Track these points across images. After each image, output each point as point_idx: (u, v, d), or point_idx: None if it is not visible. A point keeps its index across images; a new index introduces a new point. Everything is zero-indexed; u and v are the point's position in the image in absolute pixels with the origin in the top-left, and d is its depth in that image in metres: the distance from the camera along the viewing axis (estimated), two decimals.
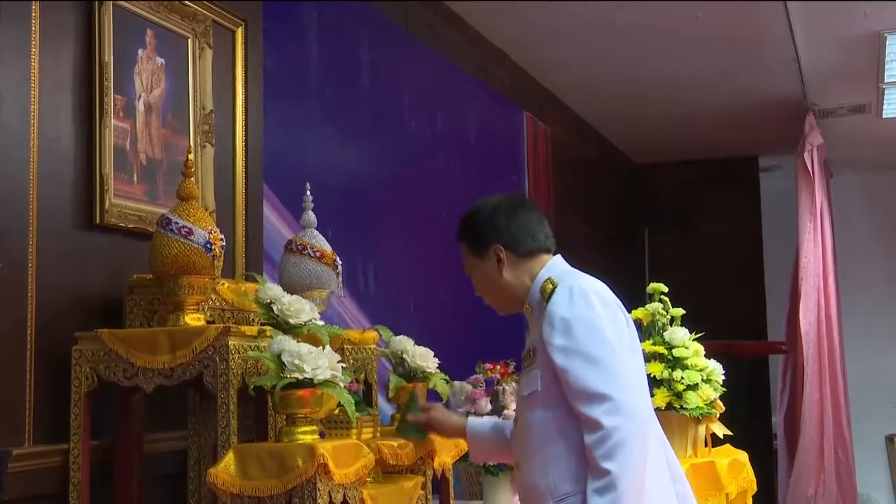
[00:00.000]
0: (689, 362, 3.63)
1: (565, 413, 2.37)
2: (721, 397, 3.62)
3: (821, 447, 7.18)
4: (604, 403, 2.29)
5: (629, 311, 2.60)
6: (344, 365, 2.55)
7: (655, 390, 3.62)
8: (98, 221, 2.79)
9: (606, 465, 2.26)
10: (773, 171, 9.13)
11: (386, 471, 2.84)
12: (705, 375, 3.62)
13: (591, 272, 2.58)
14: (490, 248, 2.57)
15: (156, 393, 2.59)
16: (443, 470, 3.13)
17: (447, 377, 3.21)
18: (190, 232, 2.60)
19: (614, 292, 2.49)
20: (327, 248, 3.02)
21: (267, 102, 3.57)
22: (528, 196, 2.64)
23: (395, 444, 2.76)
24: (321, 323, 2.72)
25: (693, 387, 3.56)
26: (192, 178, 2.72)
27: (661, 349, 3.67)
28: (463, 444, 3.23)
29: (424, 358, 3.13)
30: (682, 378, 3.61)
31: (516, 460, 2.58)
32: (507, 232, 2.56)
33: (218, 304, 2.80)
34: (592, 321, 2.38)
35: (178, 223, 2.61)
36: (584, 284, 2.45)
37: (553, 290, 2.46)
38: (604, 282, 2.51)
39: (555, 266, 2.57)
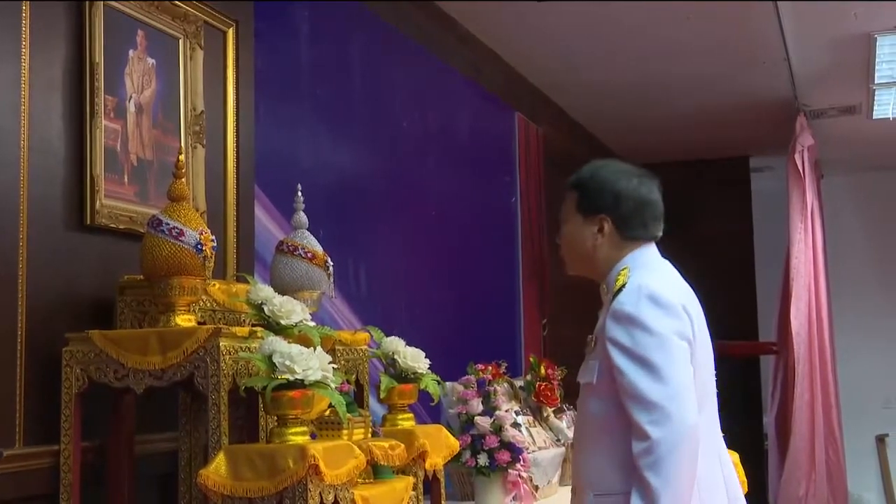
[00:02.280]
0: None
1: (616, 409, 2.32)
2: None
3: (812, 447, 7.20)
4: (653, 413, 2.25)
5: None
6: (335, 366, 2.55)
7: None
8: (89, 222, 2.78)
9: (649, 477, 2.23)
10: (764, 171, 9.15)
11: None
12: None
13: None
14: (598, 215, 2.48)
15: (147, 394, 2.59)
16: (434, 471, 3.13)
17: (439, 378, 3.21)
18: (181, 233, 2.60)
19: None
20: (318, 248, 3.02)
21: (258, 103, 3.57)
22: (656, 179, 2.53)
23: (386, 444, 2.76)
24: (312, 324, 2.72)
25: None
26: (183, 179, 2.72)
27: None
28: (454, 445, 3.23)
29: (416, 359, 3.14)
30: None
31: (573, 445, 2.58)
32: (625, 208, 2.47)
33: (209, 304, 2.80)
34: (654, 325, 2.30)
35: (168, 224, 2.61)
36: (654, 285, 2.36)
37: (623, 285, 2.38)
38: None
39: (640, 256, 2.46)
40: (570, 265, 2.59)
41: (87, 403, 2.63)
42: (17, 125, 2.60)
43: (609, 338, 2.35)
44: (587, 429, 2.46)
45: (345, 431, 2.72)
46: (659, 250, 2.55)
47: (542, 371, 4.52)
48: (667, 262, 2.51)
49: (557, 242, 2.57)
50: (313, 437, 2.58)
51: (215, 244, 2.69)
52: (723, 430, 3.61)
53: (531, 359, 4.71)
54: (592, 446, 2.42)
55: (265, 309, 2.63)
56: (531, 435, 4.13)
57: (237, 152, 3.43)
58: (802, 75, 6.62)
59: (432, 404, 3.48)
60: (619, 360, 2.32)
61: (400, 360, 3.12)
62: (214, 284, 2.83)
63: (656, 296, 2.34)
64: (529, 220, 6.47)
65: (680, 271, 2.52)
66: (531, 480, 3.86)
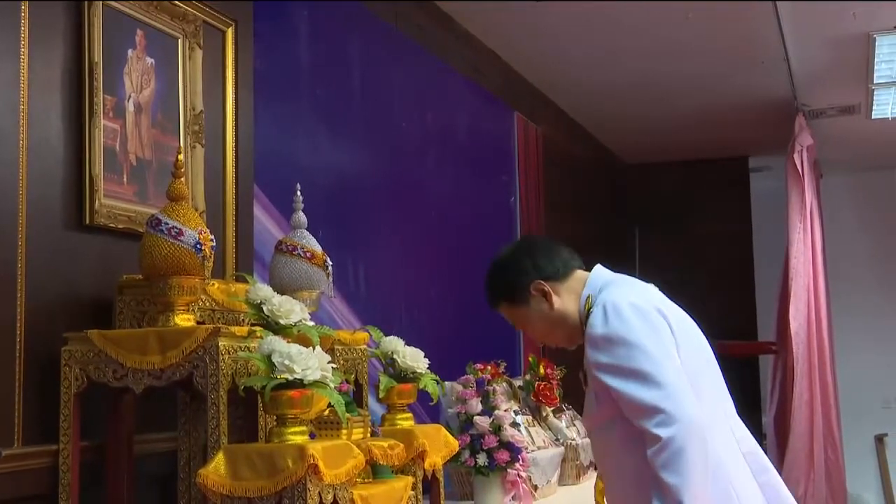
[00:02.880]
0: None
1: (625, 429, 2.37)
2: None
3: (810, 447, 7.20)
4: (656, 416, 2.28)
5: None
6: (334, 365, 2.55)
7: None
8: (88, 222, 2.78)
9: (667, 477, 2.25)
10: (763, 171, 9.15)
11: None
12: None
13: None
14: (530, 288, 2.55)
15: (146, 394, 2.59)
16: (433, 470, 3.13)
17: (438, 378, 3.21)
18: (180, 232, 2.60)
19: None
20: (318, 248, 3.02)
21: (257, 103, 3.57)
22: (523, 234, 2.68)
23: (385, 444, 2.76)
24: (311, 323, 2.72)
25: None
26: (182, 179, 2.72)
27: None
28: (453, 444, 3.23)
29: (415, 358, 3.14)
30: None
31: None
32: (536, 266, 2.56)
33: (208, 304, 2.80)
34: (629, 336, 2.35)
35: (167, 224, 2.61)
36: (617, 298, 2.41)
37: (589, 311, 2.45)
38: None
39: (593, 281, 2.54)
40: (567, 343, 2.65)
41: (86, 403, 2.63)
42: (16, 125, 2.60)
43: (593, 364, 2.41)
44: (606, 458, 2.53)
45: (344, 431, 2.72)
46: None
47: (541, 371, 4.52)
48: (621, 275, 2.58)
49: (542, 345, 2.72)
50: (312, 436, 2.58)
51: (214, 244, 2.69)
52: None
53: (530, 358, 4.71)
54: (616, 471, 2.47)
55: (264, 308, 2.63)
56: (530, 434, 4.13)
57: (236, 152, 3.43)
58: (801, 75, 6.62)
59: (431, 404, 3.47)
60: (610, 380, 2.36)
61: (399, 360, 3.12)
62: (213, 284, 2.83)
63: (618, 307, 2.39)
64: (528, 219, 6.47)
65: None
66: (530, 480, 3.86)
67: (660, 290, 3.80)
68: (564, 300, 2.55)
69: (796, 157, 7.26)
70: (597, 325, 2.40)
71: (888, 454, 9.36)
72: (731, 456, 2.43)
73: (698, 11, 5.42)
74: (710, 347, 2.56)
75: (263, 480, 2.35)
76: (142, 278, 2.68)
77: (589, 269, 2.61)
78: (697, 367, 2.44)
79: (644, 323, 2.37)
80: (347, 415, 2.67)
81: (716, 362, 2.55)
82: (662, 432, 2.26)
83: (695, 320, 2.61)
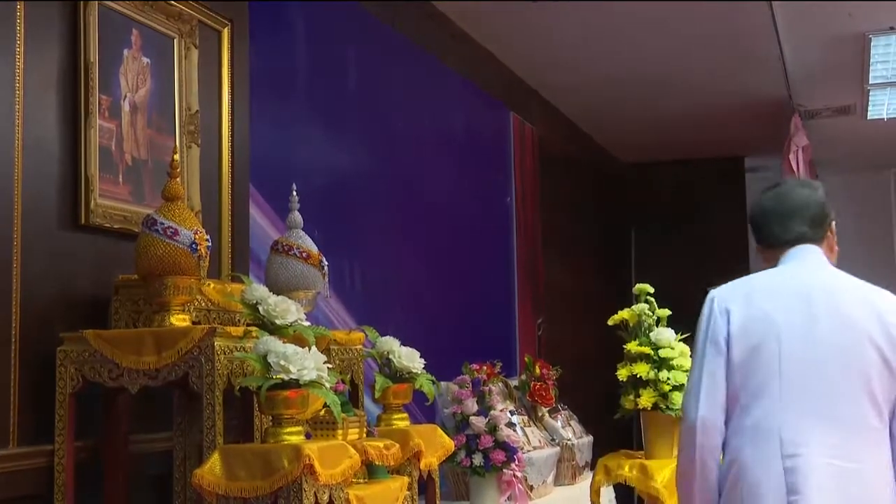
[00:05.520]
0: (675, 363, 3.64)
1: None
2: None
3: None
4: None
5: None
6: (330, 365, 2.55)
7: (641, 391, 3.63)
8: (83, 222, 2.78)
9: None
10: (758, 171, 9.16)
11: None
12: None
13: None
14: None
15: (141, 394, 2.58)
16: (429, 471, 3.13)
17: (433, 378, 3.21)
18: (175, 232, 2.60)
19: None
20: (313, 248, 3.02)
21: (253, 102, 3.57)
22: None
23: (380, 444, 2.76)
24: (307, 323, 2.72)
25: (679, 387, 3.57)
26: (178, 179, 2.72)
27: (648, 350, 3.68)
28: (449, 445, 3.23)
29: (410, 358, 3.13)
30: (668, 378, 3.62)
31: None
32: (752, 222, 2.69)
33: (203, 304, 2.80)
34: (697, 330, 2.56)
35: (163, 223, 2.61)
36: (714, 290, 2.58)
37: None
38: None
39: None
40: None
41: (82, 403, 2.62)
42: (11, 124, 2.60)
43: None
44: None
45: (340, 431, 2.72)
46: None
47: (537, 371, 4.52)
48: (794, 264, 2.58)
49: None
50: (308, 436, 2.58)
51: (210, 244, 2.68)
52: None
53: (526, 358, 4.71)
54: None
55: (260, 308, 2.63)
56: (526, 435, 4.13)
57: (232, 152, 3.43)
58: (797, 75, 6.63)
59: (427, 404, 3.48)
60: None
61: (395, 360, 3.12)
62: (209, 284, 2.83)
63: (707, 299, 2.56)
64: (524, 219, 6.47)
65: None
66: (526, 480, 3.87)
67: (656, 289, 3.82)
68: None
69: (792, 157, 7.27)
70: None
71: None
72: (760, 462, 2.40)
73: (694, 12, 5.42)
74: (832, 349, 2.45)
75: (259, 480, 2.35)
76: (137, 278, 2.68)
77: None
78: (754, 368, 2.45)
79: (703, 323, 2.53)
80: (343, 415, 2.67)
81: (827, 365, 2.44)
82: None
83: (691, 320, 2.62)
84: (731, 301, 2.50)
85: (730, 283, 2.56)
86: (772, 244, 2.60)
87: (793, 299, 2.47)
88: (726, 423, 2.46)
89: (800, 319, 2.44)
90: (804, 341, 2.42)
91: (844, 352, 2.41)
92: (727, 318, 2.46)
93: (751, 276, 2.60)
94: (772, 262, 2.59)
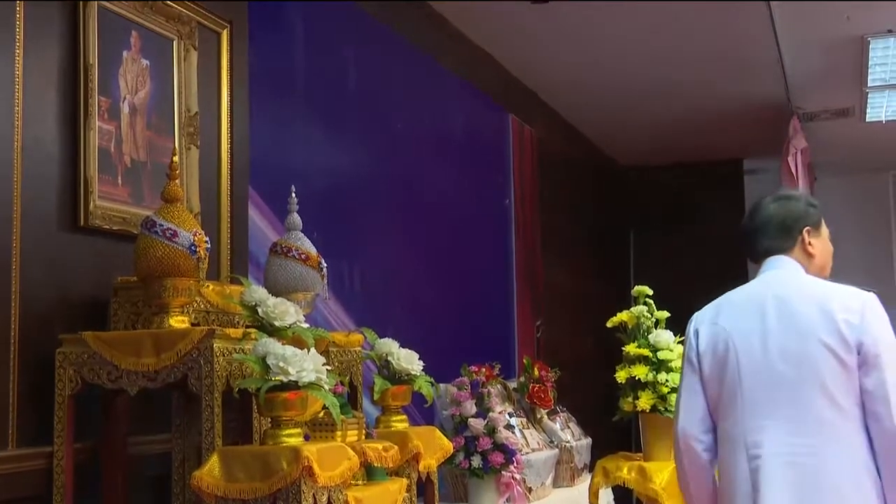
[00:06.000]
0: (673, 365, 3.64)
1: None
2: None
3: None
4: None
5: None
6: (329, 367, 2.55)
7: (640, 393, 3.63)
8: (82, 223, 2.78)
9: None
10: (757, 173, 9.16)
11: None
12: None
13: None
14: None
15: (140, 395, 2.58)
16: (428, 472, 3.13)
17: (432, 380, 3.22)
18: (174, 234, 2.60)
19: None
20: (312, 250, 3.02)
21: (252, 104, 3.57)
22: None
23: (379, 446, 2.76)
24: (306, 325, 2.72)
25: (677, 389, 3.57)
26: (177, 180, 2.72)
27: (646, 352, 3.68)
28: (447, 446, 3.24)
29: (409, 360, 3.14)
30: (667, 381, 3.62)
31: None
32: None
33: (202, 306, 2.80)
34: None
35: (162, 225, 2.61)
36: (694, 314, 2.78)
37: None
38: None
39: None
40: None
41: (81, 405, 2.62)
42: (10, 126, 2.60)
43: None
44: None
45: (338, 433, 2.72)
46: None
47: (536, 373, 4.53)
48: (760, 277, 2.73)
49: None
50: (307, 438, 2.58)
51: (209, 245, 2.68)
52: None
53: (525, 360, 4.71)
54: None
55: (259, 310, 2.63)
56: (525, 437, 4.14)
57: (231, 153, 3.43)
58: (796, 78, 6.63)
59: (426, 406, 3.48)
60: None
61: (394, 362, 3.12)
62: (208, 286, 2.83)
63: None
64: (523, 221, 6.47)
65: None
66: (524, 482, 3.87)
67: (654, 291, 3.83)
68: None
69: (790, 159, 7.28)
70: None
71: None
72: (732, 466, 2.59)
73: (693, 14, 5.43)
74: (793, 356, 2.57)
75: (258, 482, 2.35)
76: (136, 280, 2.68)
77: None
78: (721, 382, 2.63)
79: (688, 335, 2.72)
80: (342, 417, 2.67)
81: (787, 370, 2.57)
82: None
83: (687, 322, 2.69)
84: (700, 322, 2.70)
85: (708, 304, 2.74)
86: (753, 259, 2.77)
87: (749, 312, 2.63)
88: (714, 433, 2.68)
89: (755, 330, 2.60)
90: (760, 351, 2.59)
91: (796, 355, 2.54)
92: (697, 338, 2.68)
93: (727, 293, 2.75)
94: None
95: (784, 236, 2.70)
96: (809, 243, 2.69)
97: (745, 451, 2.54)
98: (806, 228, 2.70)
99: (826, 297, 2.56)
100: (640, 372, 3.63)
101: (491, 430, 3.71)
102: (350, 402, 3.12)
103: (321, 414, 2.70)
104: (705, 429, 2.65)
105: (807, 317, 2.54)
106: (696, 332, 2.68)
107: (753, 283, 2.71)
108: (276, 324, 2.62)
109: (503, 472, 3.68)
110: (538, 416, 4.47)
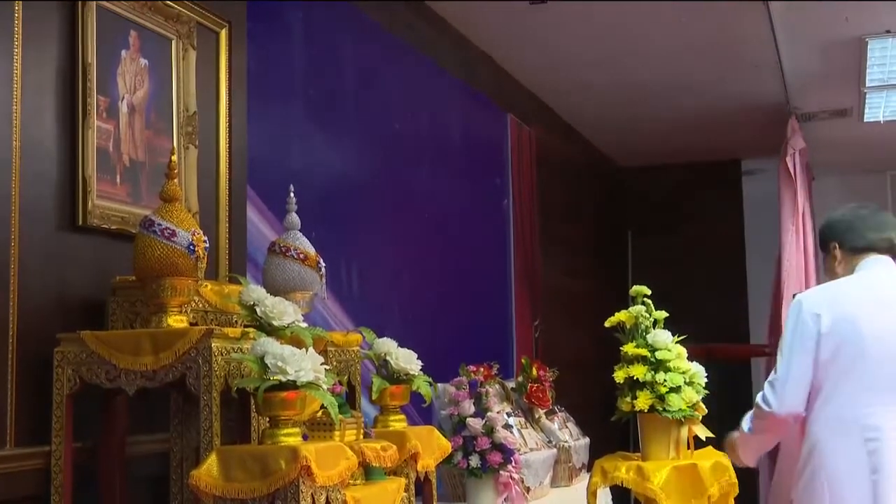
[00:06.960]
0: (671, 365, 3.63)
1: None
2: (703, 400, 3.63)
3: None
4: (764, 390, 3.11)
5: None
6: (327, 367, 2.55)
7: (638, 392, 3.63)
8: (81, 223, 2.78)
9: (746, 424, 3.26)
10: (755, 174, 9.17)
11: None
12: (688, 378, 3.63)
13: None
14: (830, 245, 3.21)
15: (138, 395, 2.58)
16: (426, 472, 3.13)
17: (430, 379, 3.22)
18: (173, 233, 2.60)
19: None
20: (311, 250, 3.02)
21: (251, 104, 3.57)
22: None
23: (377, 445, 2.77)
24: (304, 325, 2.72)
25: (676, 389, 3.57)
26: (176, 180, 2.72)
27: (644, 352, 3.68)
28: (446, 446, 3.24)
29: (408, 360, 3.14)
30: (665, 380, 3.61)
31: None
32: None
33: (201, 305, 2.80)
34: (786, 327, 3.08)
35: (161, 225, 2.61)
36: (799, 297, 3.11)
37: None
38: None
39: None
40: None
41: (79, 404, 2.62)
42: (8, 126, 2.60)
43: None
44: None
45: (337, 433, 2.72)
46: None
47: (534, 372, 4.53)
48: (871, 270, 3.08)
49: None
50: (305, 438, 2.58)
51: (207, 245, 2.68)
52: (713, 432, 3.62)
53: (523, 360, 4.72)
54: None
55: (257, 310, 2.63)
56: (523, 436, 4.14)
57: (230, 153, 3.43)
58: (794, 78, 6.64)
59: (424, 406, 3.48)
60: None
61: (392, 362, 3.12)
62: (206, 285, 2.83)
63: (794, 303, 3.08)
64: (521, 222, 6.47)
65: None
66: (523, 482, 3.87)
67: (652, 292, 3.85)
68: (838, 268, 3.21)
69: (789, 160, 7.28)
70: None
71: None
72: (842, 447, 2.85)
73: (691, 15, 5.43)
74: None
75: (256, 482, 2.35)
76: (135, 279, 2.68)
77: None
78: (837, 364, 2.92)
79: (791, 320, 3.00)
80: (340, 416, 2.67)
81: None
82: (759, 401, 3.05)
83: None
84: (818, 306, 2.97)
85: (815, 289, 3.10)
86: (857, 251, 3.09)
87: (870, 301, 2.96)
88: (805, 412, 2.99)
89: (877, 321, 2.90)
90: (880, 340, 2.88)
91: None
92: (817, 320, 2.93)
93: (834, 282, 3.08)
94: (846, 267, 3.08)
95: None
96: None
97: (859, 434, 2.80)
98: None
99: None
100: (639, 372, 3.63)
101: (489, 430, 3.71)
102: (348, 401, 3.12)
103: (319, 413, 2.70)
104: (804, 408, 2.96)
105: None
106: (818, 316, 2.91)
107: (865, 276, 3.02)
108: (275, 323, 2.62)
109: (501, 472, 3.68)
110: (536, 415, 4.48)
